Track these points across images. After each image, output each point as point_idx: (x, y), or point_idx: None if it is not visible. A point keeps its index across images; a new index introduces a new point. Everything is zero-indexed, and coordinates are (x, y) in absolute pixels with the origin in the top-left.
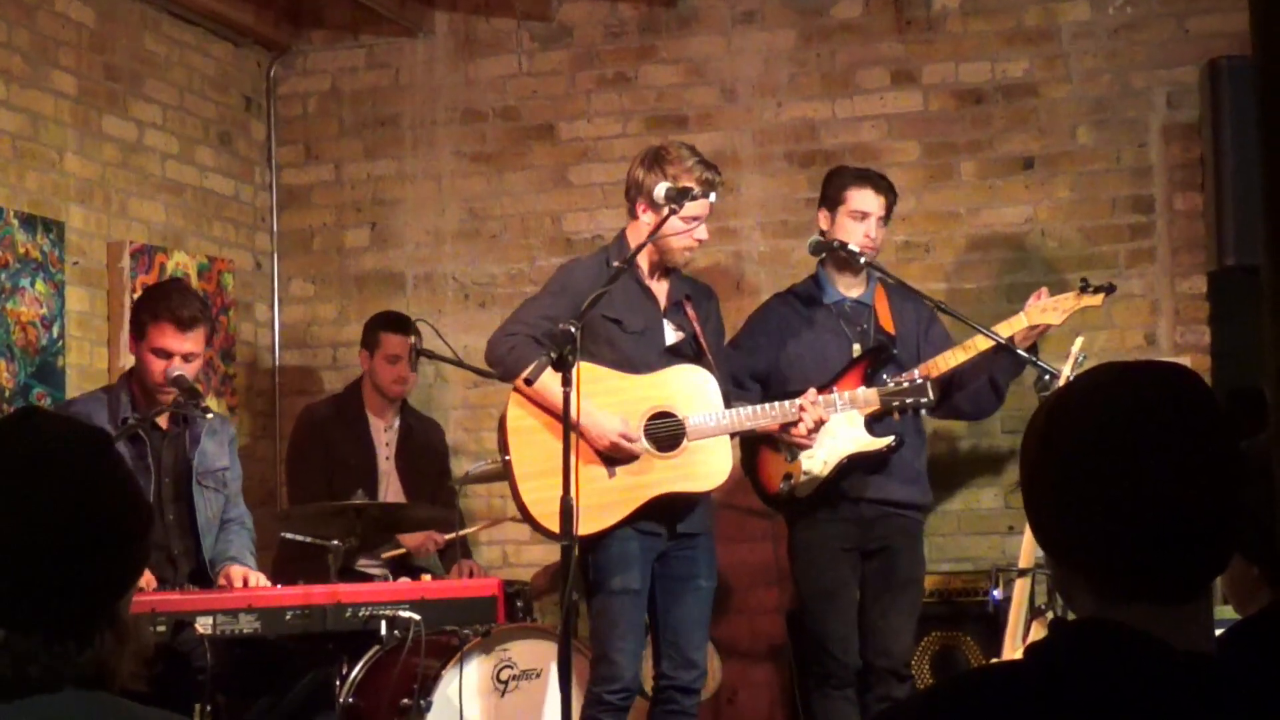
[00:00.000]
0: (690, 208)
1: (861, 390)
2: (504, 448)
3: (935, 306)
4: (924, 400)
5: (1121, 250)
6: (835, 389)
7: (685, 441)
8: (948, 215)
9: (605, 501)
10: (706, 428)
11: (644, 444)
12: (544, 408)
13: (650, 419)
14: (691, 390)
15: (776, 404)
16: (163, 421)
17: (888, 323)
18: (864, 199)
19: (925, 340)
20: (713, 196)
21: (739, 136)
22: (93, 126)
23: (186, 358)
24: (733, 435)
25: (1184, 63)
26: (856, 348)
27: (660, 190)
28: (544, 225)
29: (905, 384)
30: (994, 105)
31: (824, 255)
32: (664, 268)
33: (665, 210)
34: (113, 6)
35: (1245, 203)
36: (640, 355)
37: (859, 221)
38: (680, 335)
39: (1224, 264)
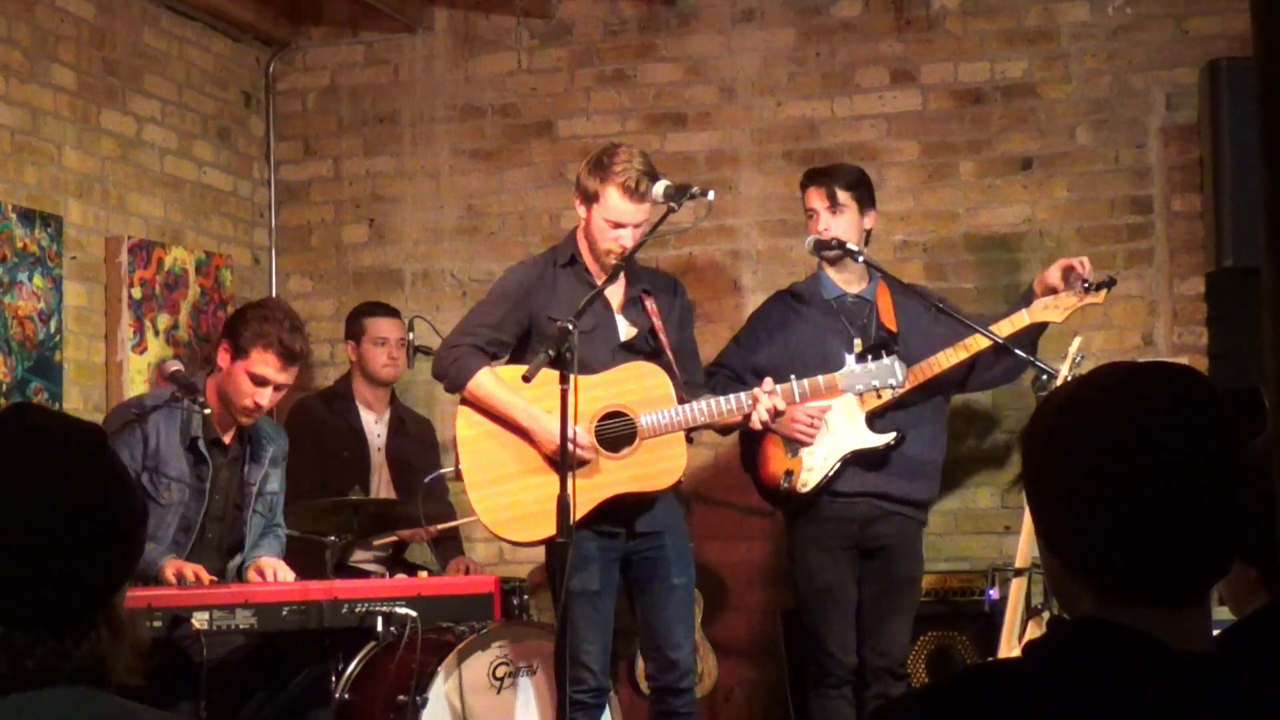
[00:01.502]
0: (614, 210)
1: (822, 377)
2: (456, 459)
3: (934, 305)
4: (891, 381)
5: (1120, 251)
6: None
7: (638, 440)
8: (946, 215)
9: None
10: (659, 425)
11: (595, 446)
12: (490, 415)
13: (601, 419)
14: (643, 388)
15: (732, 396)
16: (226, 438)
17: (889, 319)
18: (809, 198)
19: (928, 337)
20: (710, 195)
21: (738, 135)
22: (91, 121)
23: (279, 388)
24: (688, 432)
25: (1183, 64)
26: (858, 343)
27: (659, 188)
28: (542, 222)
29: (870, 365)
30: (993, 105)
31: (823, 253)
32: (621, 265)
33: (665, 208)
34: (112, 1)
35: (1244, 204)
36: (591, 354)
37: (813, 219)
38: (635, 331)
39: (1222, 265)
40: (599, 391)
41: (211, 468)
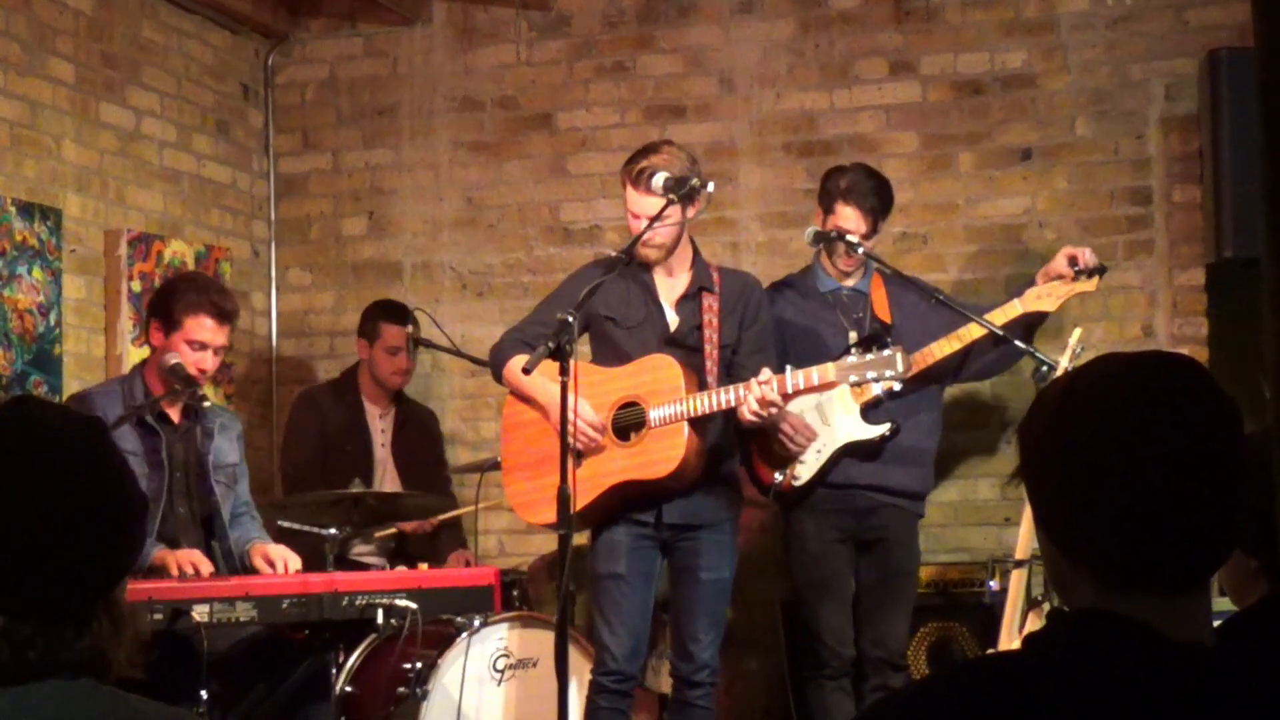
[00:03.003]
0: (628, 200)
1: (817, 368)
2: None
3: (933, 296)
4: (890, 373)
5: (1119, 242)
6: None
7: (645, 430)
8: (946, 206)
9: (558, 498)
10: (664, 414)
11: (609, 433)
12: (528, 401)
13: (619, 408)
14: (655, 379)
15: (731, 387)
16: (174, 415)
17: (883, 311)
18: (847, 216)
19: (923, 328)
20: (710, 187)
21: (737, 127)
22: (90, 114)
23: (217, 351)
24: (692, 422)
25: (1182, 54)
26: (853, 335)
27: (659, 180)
28: (541, 215)
29: (870, 356)
30: (992, 96)
31: (822, 245)
32: (682, 260)
33: (664, 201)
34: None
35: (1243, 195)
36: (638, 347)
37: (830, 217)
38: (680, 325)
39: (1222, 256)
40: (622, 382)
41: (164, 441)
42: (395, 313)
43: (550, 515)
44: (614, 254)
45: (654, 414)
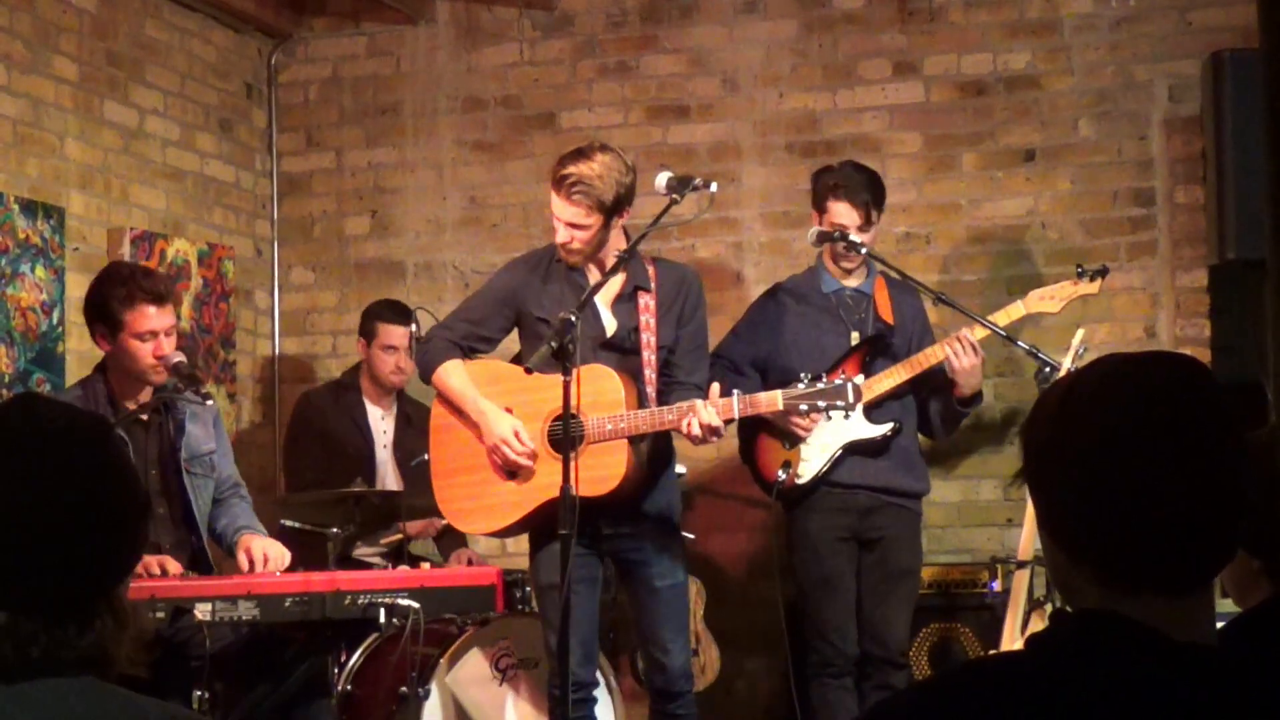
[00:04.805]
0: (554, 207)
1: (764, 394)
2: (426, 447)
3: (936, 297)
4: (839, 404)
5: (1122, 243)
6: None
7: (583, 444)
8: (948, 207)
9: (500, 503)
10: (604, 430)
11: (545, 444)
12: (454, 407)
13: (555, 420)
14: (594, 390)
15: (674, 406)
16: (144, 416)
17: (886, 312)
18: (840, 211)
19: (927, 330)
20: (714, 187)
21: (740, 127)
22: (94, 112)
23: (168, 332)
24: (630, 439)
25: (1186, 56)
26: (855, 336)
27: (662, 179)
28: (544, 214)
29: (820, 385)
30: (995, 97)
31: (824, 245)
32: (621, 259)
33: (668, 200)
34: None
35: (1246, 196)
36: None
37: (825, 217)
38: (618, 328)
39: (1225, 257)
40: (556, 391)
41: (131, 442)
42: (393, 312)
43: (486, 524)
44: (541, 248)
45: (593, 428)
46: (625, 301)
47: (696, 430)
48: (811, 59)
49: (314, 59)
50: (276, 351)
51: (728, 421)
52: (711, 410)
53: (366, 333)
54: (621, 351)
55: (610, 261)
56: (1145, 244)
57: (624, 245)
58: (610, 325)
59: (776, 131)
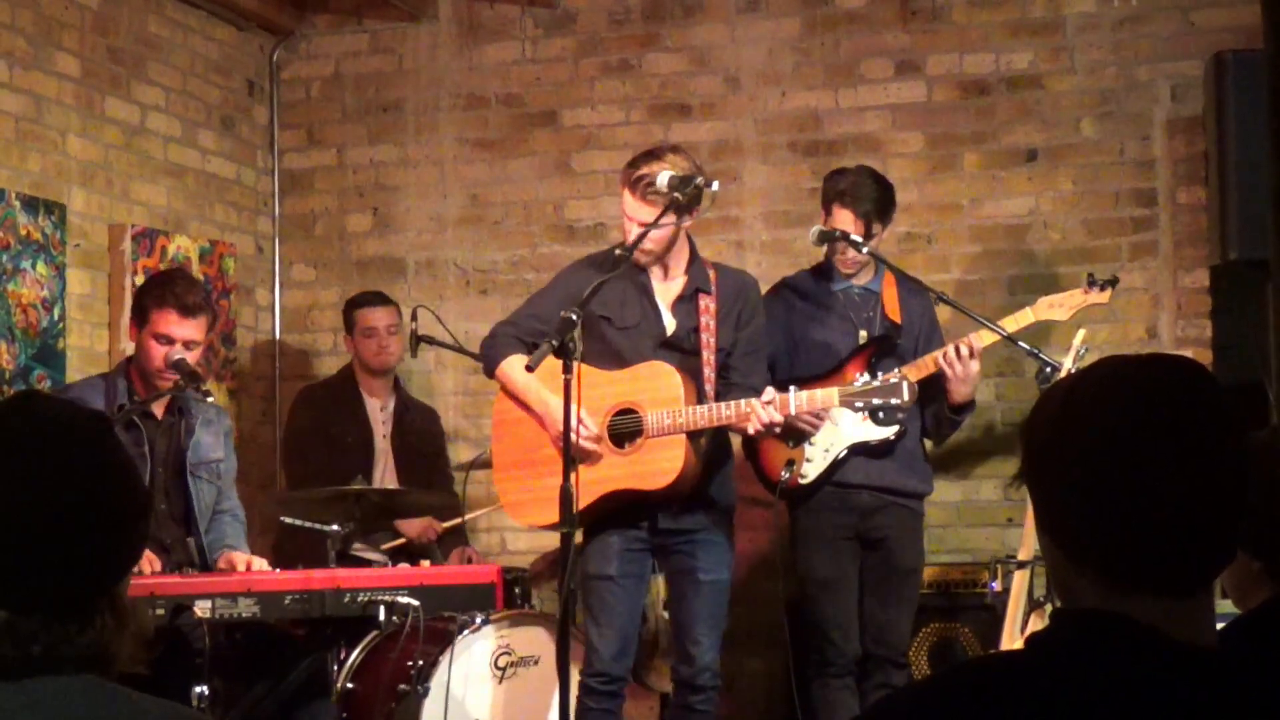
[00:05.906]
0: (624, 206)
1: (820, 391)
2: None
3: (939, 298)
4: (895, 401)
5: (1124, 243)
6: (810, 385)
7: (642, 439)
8: (950, 206)
9: (560, 496)
10: (663, 425)
11: (606, 440)
12: (519, 401)
13: (615, 415)
14: (654, 386)
15: (732, 403)
16: (158, 410)
17: (894, 311)
18: (842, 218)
19: (933, 330)
20: (715, 186)
21: (742, 125)
22: (95, 109)
23: (188, 344)
24: (690, 434)
25: (1189, 56)
26: (863, 335)
27: (663, 178)
28: (546, 212)
29: (875, 383)
30: (998, 97)
31: (828, 244)
32: (679, 260)
33: (669, 199)
34: None
35: (1249, 197)
36: (633, 350)
37: (830, 219)
38: (678, 328)
39: (1226, 258)
40: (617, 387)
41: (145, 435)
42: (366, 297)
43: (543, 517)
44: (616, 251)
45: (652, 423)
46: (686, 302)
47: (759, 429)
48: (813, 58)
49: (316, 56)
50: (277, 348)
51: (785, 418)
52: (772, 409)
53: (348, 325)
54: (681, 351)
55: (677, 264)
56: (1147, 244)
57: (688, 251)
58: (670, 324)
59: (778, 130)
